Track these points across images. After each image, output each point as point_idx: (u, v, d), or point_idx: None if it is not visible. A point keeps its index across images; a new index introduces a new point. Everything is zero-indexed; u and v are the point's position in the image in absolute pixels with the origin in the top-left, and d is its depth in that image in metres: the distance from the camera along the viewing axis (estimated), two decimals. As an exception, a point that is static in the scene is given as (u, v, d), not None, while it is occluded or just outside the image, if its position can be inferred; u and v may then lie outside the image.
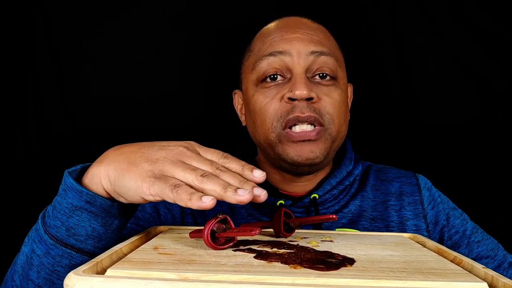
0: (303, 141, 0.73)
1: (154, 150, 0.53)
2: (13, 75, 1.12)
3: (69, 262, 0.56)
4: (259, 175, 0.52)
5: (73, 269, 0.54)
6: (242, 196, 0.47)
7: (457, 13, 1.11)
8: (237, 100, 0.87)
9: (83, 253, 0.56)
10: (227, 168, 0.52)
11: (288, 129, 0.74)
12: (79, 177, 0.57)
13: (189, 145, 0.54)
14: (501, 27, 1.10)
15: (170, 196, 0.48)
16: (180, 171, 0.49)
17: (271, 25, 0.82)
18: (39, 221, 0.58)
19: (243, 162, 0.53)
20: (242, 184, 0.49)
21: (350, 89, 0.86)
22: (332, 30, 0.83)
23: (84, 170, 0.57)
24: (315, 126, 0.74)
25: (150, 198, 0.50)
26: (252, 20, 0.89)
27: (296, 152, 0.74)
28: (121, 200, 0.54)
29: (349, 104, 0.85)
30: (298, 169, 0.77)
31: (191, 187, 0.48)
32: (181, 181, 0.49)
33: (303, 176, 0.80)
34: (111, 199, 0.55)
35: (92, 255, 0.56)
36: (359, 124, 0.96)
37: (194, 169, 0.50)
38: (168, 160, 0.51)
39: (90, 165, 0.56)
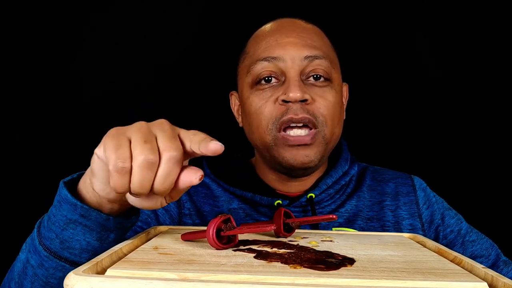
0: (299, 145, 0.74)
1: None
2: (13, 75, 1.12)
3: (63, 274, 0.54)
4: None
5: None
6: None
7: (458, 13, 1.11)
8: (234, 102, 0.88)
9: (77, 267, 0.54)
10: None
11: (283, 132, 0.74)
12: (77, 185, 0.55)
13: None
14: (501, 27, 1.09)
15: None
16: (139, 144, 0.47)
17: (266, 27, 0.82)
18: (35, 230, 0.57)
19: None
20: None
21: (345, 89, 0.87)
22: (331, 29, 0.83)
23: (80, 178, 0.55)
24: (310, 128, 0.74)
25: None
26: (248, 21, 0.89)
27: (291, 156, 0.75)
28: (109, 205, 0.52)
29: (345, 103, 0.86)
30: (293, 173, 0.78)
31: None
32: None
33: (299, 177, 0.81)
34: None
35: None
36: (356, 125, 0.96)
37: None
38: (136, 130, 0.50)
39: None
